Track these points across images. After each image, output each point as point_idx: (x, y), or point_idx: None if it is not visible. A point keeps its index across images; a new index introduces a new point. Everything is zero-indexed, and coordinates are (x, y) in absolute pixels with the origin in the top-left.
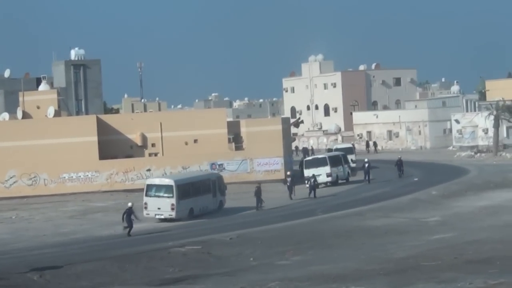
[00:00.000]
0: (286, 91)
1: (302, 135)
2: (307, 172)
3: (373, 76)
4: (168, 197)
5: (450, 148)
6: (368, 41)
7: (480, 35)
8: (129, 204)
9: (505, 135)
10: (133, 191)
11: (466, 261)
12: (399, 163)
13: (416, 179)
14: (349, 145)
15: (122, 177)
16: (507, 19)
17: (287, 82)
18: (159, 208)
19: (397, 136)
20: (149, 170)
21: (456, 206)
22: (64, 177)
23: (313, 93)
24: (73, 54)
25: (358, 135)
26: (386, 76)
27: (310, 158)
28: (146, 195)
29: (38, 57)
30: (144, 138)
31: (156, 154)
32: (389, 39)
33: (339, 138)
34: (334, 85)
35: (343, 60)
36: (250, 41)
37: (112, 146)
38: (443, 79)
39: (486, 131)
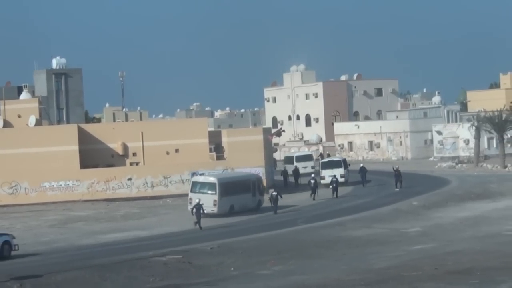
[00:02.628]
0: (268, 101)
1: (284, 145)
2: (324, 173)
3: (355, 87)
4: (211, 193)
5: (431, 158)
6: (350, 52)
7: (461, 46)
8: (197, 200)
9: (486, 146)
10: (114, 200)
11: (446, 271)
12: (397, 174)
13: (397, 189)
14: (309, 153)
15: (103, 186)
16: (489, 30)
17: (268, 92)
18: (202, 204)
19: (378, 147)
20: (130, 179)
21: (437, 217)
22: (45, 186)
23: (295, 103)
24: (55, 63)
25: (339, 145)
26: (367, 87)
27: (326, 160)
28: (191, 191)
29: (19, 66)
30: (125, 148)
31: (137, 164)
32: (371, 49)
33: (320, 148)
34: (316, 95)
35: (325, 70)
36: (232, 51)
37: (93, 155)
38: (424, 90)
39: (467, 142)
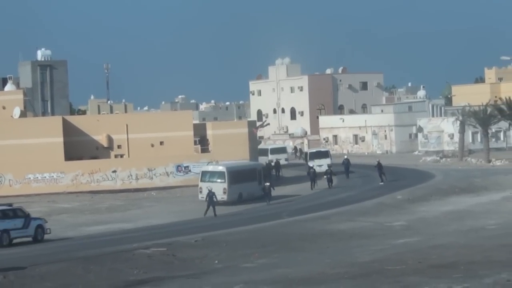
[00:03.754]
0: (253, 94)
1: (268, 138)
2: (311, 163)
3: (340, 80)
4: (221, 182)
5: (416, 152)
6: (335, 45)
7: (446, 40)
8: (209, 188)
9: (470, 140)
10: (98, 192)
11: (430, 265)
12: (379, 167)
13: (381, 183)
14: (283, 146)
15: (87, 178)
16: (474, 25)
17: (253, 85)
18: (214, 192)
19: (363, 141)
20: (114, 171)
21: (421, 211)
22: (30, 178)
23: (280, 96)
24: (40, 54)
25: (324, 138)
26: (352, 80)
27: (314, 150)
28: (201, 181)
29: (4, 57)
30: (110, 140)
31: (122, 156)
32: (356, 43)
33: (305, 141)
34: (301, 89)
35: (310, 63)
36: (217, 44)
37: (78, 147)
38: (409, 84)
39: (451, 136)
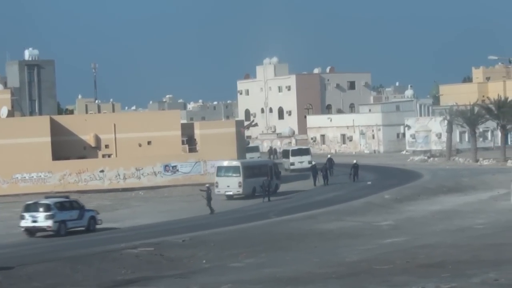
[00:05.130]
0: (241, 93)
1: (256, 138)
2: (293, 159)
3: (328, 80)
4: (236, 176)
5: (404, 152)
6: (323, 44)
7: (434, 40)
8: (207, 185)
9: (458, 140)
10: (86, 192)
11: (418, 265)
12: (355, 167)
13: (369, 182)
14: (256, 145)
15: (75, 178)
16: (462, 25)
17: (241, 85)
18: (228, 186)
19: (350, 140)
20: (102, 171)
21: (409, 210)
22: (17, 178)
23: (268, 96)
24: (27, 54)
25: (312, 138)
26: (340, 80)
27: (295, 148)
28: (217, 176)
29: None
30: (97, 139)
31: (109, 156)
32: (344, 42)
33: (293, 141)
34: (289, 88)
35: (298, 63)
36: (205, 43)
37: (65, 147)
38: (397, 83)
39: (439, 135)
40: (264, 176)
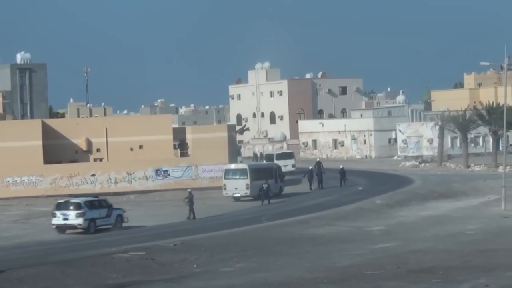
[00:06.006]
0: (232, 98)
1: (248, 142)
2: (277, 163)
3: (319, 85)
4: (243, 178)
5: (395, 157)
6: (315, 50)
7: (425, 45)
8: (189, 190)
9: (449, 145)
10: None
11: (409, 270)
12: (342, 172)
13: (360, 188)
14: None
15: (66, 182)
16: (453, 31)
17: (233, 89)
18: (236, 188)
19: (342, 145)
20: (93, 175)
21: (400, 216)
22: (8, 181)
23: (259, 101)
24: (19, 57)
25: (303, 143)
26: (332, 85)
27: (280, 152)
28: (225, 178)
29: None
30: (89, 143)
31: (101, 159)
32: (336, 48)
33: (285, 146)
34: (281, 93)
35: (290, 68)
36: (197, 47)
37: (57, 150)
38: (388, 89)
39: (431, 141)
40: (269, 178)
